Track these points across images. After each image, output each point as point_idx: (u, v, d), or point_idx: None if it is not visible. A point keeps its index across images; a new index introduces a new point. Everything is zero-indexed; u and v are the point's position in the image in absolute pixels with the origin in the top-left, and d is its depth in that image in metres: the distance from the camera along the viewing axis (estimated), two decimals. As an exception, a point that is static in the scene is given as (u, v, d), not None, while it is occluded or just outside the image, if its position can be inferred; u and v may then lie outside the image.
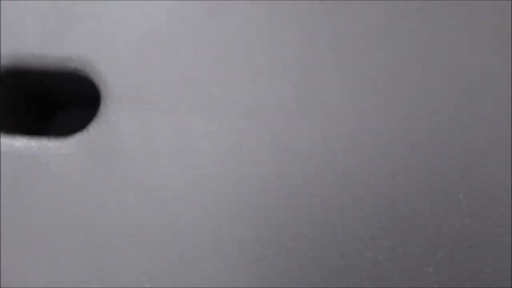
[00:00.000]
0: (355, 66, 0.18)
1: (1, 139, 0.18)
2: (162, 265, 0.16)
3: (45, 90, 0.20)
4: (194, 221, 0.17)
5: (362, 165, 0.17)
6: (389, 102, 0.18)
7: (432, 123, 0.18)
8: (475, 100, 0.18)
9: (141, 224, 0.17)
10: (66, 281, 0.16)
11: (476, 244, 0.16)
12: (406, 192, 0.17)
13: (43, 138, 0.18)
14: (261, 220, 0.17)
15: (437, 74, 0.18)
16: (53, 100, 0.21)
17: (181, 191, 0.17)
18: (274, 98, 0.18)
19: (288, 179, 0.17)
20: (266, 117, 0.18)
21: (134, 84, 0.18)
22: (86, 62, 0.19)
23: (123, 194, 0.17)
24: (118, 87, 0.18)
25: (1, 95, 0.19)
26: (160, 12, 0.19)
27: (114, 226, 0.17)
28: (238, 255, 0.16)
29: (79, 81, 0.19)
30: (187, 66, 0.18)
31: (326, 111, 0.18)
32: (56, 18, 0.19)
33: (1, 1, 0.19)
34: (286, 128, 0.18)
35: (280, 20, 0.19)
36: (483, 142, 0.17)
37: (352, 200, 0.17)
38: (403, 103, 0.18)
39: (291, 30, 0.19)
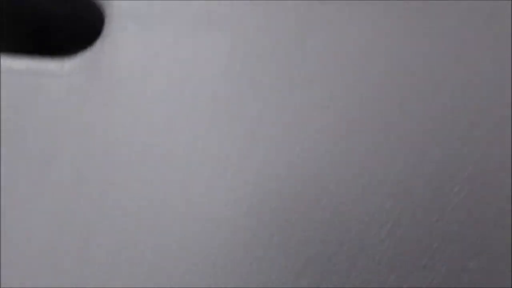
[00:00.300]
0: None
1: (2, 59, 0.17)
2: (164, 184, 0.16)
3: (47, 13, 0.20)
4: (195, 138, 0.16)
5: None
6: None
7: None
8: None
9: (141, 141, 0.16)
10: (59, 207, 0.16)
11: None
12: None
13: (45, 58, 0.18)
14: (263, 143, 0.16)
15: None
16: (57, 29, 0.21)
17: (186, 107, 0.16)
18: (284, 16, 0.17)
19: (295, 92, 0.16)
20: (274, 35, 0.17)
21: (138, 2, 0.17)
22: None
23: (126, 111, 0.16)
24: (122, 5, 0.18)
25: (3, 17, 0.19)
26: None
27: (115, 140, 0.16)
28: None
29: (83, 2, 0.18)
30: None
31: (332, 32, 0.17)
32: None
33: None
34: (294, 41, 0.17)
35: None
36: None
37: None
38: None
39: None
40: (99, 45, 0.17)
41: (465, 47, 0.17)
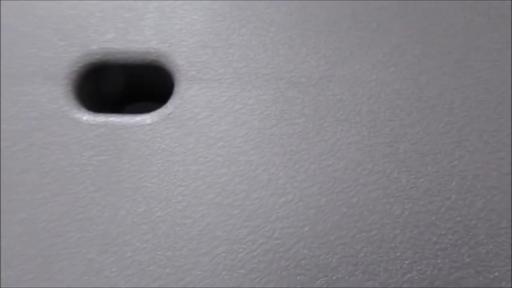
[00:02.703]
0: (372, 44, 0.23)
1: (98, 117, 0.23)
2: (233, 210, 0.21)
3: (129, 79, 0.26)
4: (253, 169, 0.22)
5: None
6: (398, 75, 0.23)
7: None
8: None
9: (212, 173, 0.22)
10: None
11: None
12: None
13: (132, 115, 0.23)
14: (300, 163, 0.22)
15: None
16: (131, 89, 0.27)
17: (242, 145, 0.22)
18: (313, 72, 0.23)
19: (329, 130, 0.22)
20: (306, 87, 0.23)
21: (200, 67, 0.23)
22: (161, 54, 0.24)
23: (196, 150, 0.22)
24: (188, 71, 0.23)
25: (96, 84, 0.25)
26: (217, 7, 0.24)
27: (194, 178, 0.22)
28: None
29: (154, 71, 0.24)
30: (241, 49, 0.23)
31: (349, 77, 0.23)
32: (135, 18, 0.24)
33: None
34: (321, 93, 0.23)
35: (312, 12, 0.24)
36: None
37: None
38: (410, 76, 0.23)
39: (319, 18, 0.24)
40: (172, 102, 0.23)
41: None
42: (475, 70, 0.23)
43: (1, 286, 0.20)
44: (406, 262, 0.20)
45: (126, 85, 0.26)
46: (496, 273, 0.20)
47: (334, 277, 0.20)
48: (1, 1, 0.25)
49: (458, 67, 0.23)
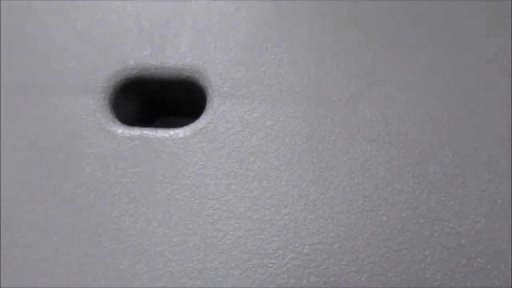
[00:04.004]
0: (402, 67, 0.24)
1: (133, 130, 0.24)
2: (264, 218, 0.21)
3: (159, 95, 0.26)
4: (283, 184, 0.22)
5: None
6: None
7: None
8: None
9: (243, 187, 0.22)
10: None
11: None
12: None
13: (165, 129, 0.24)
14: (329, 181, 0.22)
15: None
16: (163, 104, 0.27)
17: (273, 160, 0.22)
18: (343, 91, 0.23)
19: (358, 149, 0.22)
20: (337, 106, 0.23)
21: (233, 84, 0.24)
22: (195, 70, 0.24)
23: (230, 167, 0.22)
24: (221, 88, 0.24)
25: (132, 99, 0.25)
26: (251, 27, 0.25)
27: (225, 192, 0.22)
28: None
29: (188, 86, 0.25)
30: (273, 68, 0.24)
31: (380, 97, 0.23)
32: (171, 35, 0.25)
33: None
34: (351, 112, 0.23)
35: (343, 32, 0.24)
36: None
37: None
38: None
39: (351, 38, 0.24)
40: (204, 116, 0.24)
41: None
42: (505, 93, 0.23)
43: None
44: (436, 283, 0.20)
45: (159, 100, 0.27)
46: (527, 298, 0.20)
47: (363, 295, 0.20)
48: (42, 17, 0.26)
49: (489, 90, 0.23)
